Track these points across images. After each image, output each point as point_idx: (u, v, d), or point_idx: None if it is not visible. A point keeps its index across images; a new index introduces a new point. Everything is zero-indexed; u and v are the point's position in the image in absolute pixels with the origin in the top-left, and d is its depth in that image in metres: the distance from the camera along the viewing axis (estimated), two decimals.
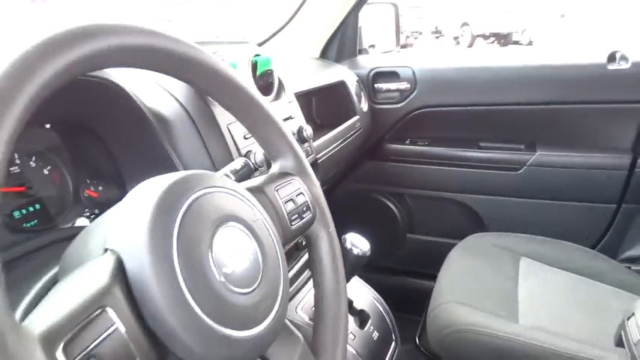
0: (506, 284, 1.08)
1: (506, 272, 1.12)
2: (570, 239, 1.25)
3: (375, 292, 1.05)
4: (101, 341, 0.32)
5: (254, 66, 0.91)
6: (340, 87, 1.37)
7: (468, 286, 1.07)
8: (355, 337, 0.90)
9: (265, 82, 0.92)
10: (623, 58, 1.30)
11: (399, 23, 1.76)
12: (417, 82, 1.48)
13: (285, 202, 0.55)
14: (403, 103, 1.51)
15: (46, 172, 0.66)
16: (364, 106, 1.47)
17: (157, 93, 0.73)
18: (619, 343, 0.86)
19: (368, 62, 1.56)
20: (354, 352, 0.87)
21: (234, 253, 0.42)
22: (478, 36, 12.31)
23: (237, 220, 0.43)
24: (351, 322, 0.92)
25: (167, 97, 0.73)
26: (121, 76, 0.64)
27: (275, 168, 0.58)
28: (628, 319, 0.85)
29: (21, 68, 0.32)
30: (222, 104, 0.54)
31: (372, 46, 1.74)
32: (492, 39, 11.97)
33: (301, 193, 0.57)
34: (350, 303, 0.94)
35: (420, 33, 12.53)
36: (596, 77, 1.32)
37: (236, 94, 0.53)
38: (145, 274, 0.36)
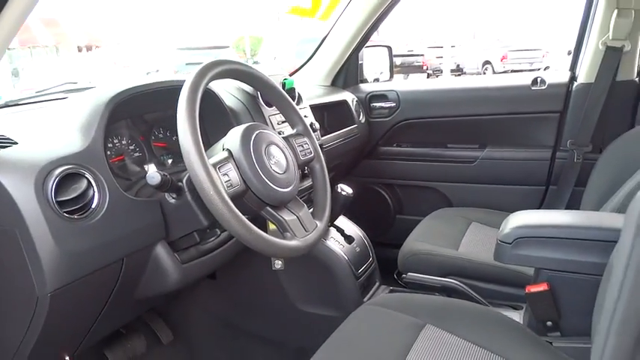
0: (455, 232, 1.61)
1: (457, 228, 1.64)
2: (512, 211, 1.77)
3: (361, 229, 1.59)
4: (223, 166, 0.88)
5: (283, 85, 1.48)
6: (343, 104, 1.94)
7: (430, 234, 1.60)
8: (344, 246, 1.44)
9: (290, 95, 1.50)
10: (543, 81, 1.83)
11: (392, 61, 2.33)
12: (401, 101, 2.04)
13: (298, 145, 1.10)
14: (391, 117, 2.07)
15: (174, 138, 1.24)
16: (362, 119, 2.03)
17: (230, 96, 1.31)
18: None
19: (366, 88, 2.14)
20: (344, 256, 1.41)
21: (276, 156, 0.98)
22: (500, 74, 12.86)
23: (277, 144, 1.00)
24: (342, 240, 1.46)
25: (235, 99, 1.31)
26: (214, 86, 1.22)
27: (294, 130, 1.15)
28: None
29: (197, 76, 0.90)
30: (269, 99, 1.12)
31: (376, 79, 2.31)
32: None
33: (307, 142, 1.13)
34: (342, 230, 1.48)
35: (441, 71, 13.15)
36: (523, 95, 1.85)
37: (275, 94, 1.10)
38: (240, 157, 0.92)
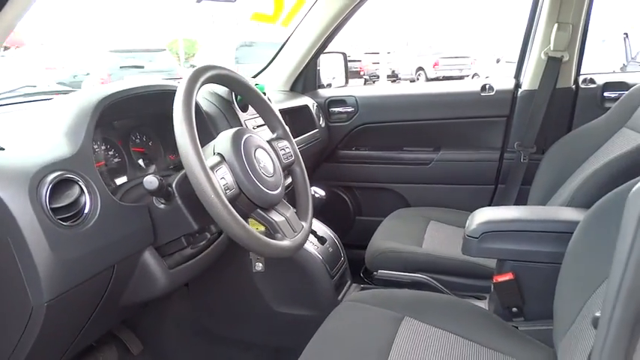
0: (417, 230, 1.69)
1: (417, 226, 1.73)
2: (465, 209, 1.89)
3: (331, 230, 1.64)
4: (219, 170, 0.90)
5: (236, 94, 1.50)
6: (305, 109, 1.98)
7: (393, 233, 1.67)
8: (318, 247, 1.48)
9: (245, 103, 1.51)
10: (491, 88, 1.97)
11: (347, 67, 2.41)
12: (359, 106, 2.11)
13: (280, 149, 1.14)
14: (350, 122, 2.14)
15: (150, 143, 1.23)
16: (322, 123, 2.09)
17: (206, 101, 1.32)
18: None
19: (325, 93, 2.19)
20: (318, 256, 1.45)
21: (264, 160, 1.01)
22: (432, 79, 13.39)
23: (264, 148, 1.03)
24: (315, 241, 1.50)
25: (211, 103, 1.32)
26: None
27: (274, 134, 1.18)
28: None
29: (190, 81, 0.92)
30: (251, 104, 1.14)
31: (329, 85, 2.38)
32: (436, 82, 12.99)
33: (287, 146, 1.17)
34: (314, 232, 1.52)
35: (378, 77, 13.51)
36: (473, 101, 1.98)
37: (257, 99, 1.13)
38: (232, 161, 0.94)
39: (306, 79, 2.18)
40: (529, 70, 1.90)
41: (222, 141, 0.98)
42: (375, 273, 1.53)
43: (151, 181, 0.90)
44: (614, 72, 3.73)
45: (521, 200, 1.88)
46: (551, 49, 1.80)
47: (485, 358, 1.02)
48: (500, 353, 1.05)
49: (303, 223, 1.10)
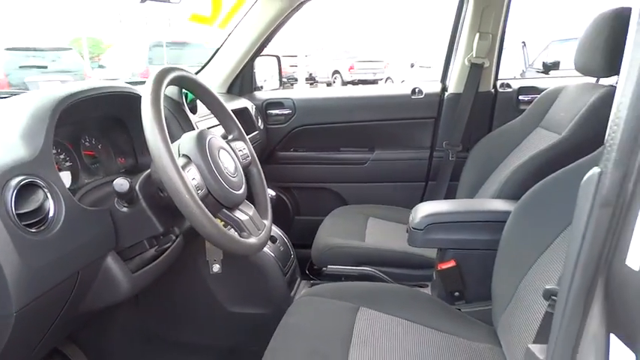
0: (358, 227, 1.78)
1: (358, 223, 1.82)
2: (398, 205, 2.00)
3: (280, 229, 1.68)
4: (189, 170, 0.91)
5: (186, 96, 1.50)
6: (245, 111, 2.00)
7: (337, 230, 1.74)
8: (270, 246, 1.52)
9: (193, 105, 1.52)
10: (420, 91, 2.11)
11: (281, 70, 2.45)
12: (296, 108, 2.17)
13: (238, 150, 1.16)
14: (287, 123, 2.18)
15: (100, 147, 1.20)
16: (261, 125, 2.11)
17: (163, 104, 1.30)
18: None
19: (262, 95, 2.22)
20: (272, 254, 1.48)
21: (226, 160, 1.03)
22: (348, 82, 13.75)
23: (226, 149, 1.05)
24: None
25: (167, 108, 1.31)
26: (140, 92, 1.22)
27: (230, 136, 1.20)
28: None
29: (156, 82, 0.92)
30: (208, 106, 1.16)
31: (261, 87, 2.40)
32: (361, 85, 13.37)
33: (244, 147, 1.19)
34: None
35: (296, 80, 13.63)
36: (404, 103, 2.11)
37: (214, 102, 1.15)
38: (199, 162, 0.96)
39: (243, 81, 2.19)
40: (454, 75, 2.06)
41: (187, 142, 0.99)
42: (324, 268, 1.59)
43: (121, 183, 0.89)
44: (515, 77, 4.09)
45: (450, 195, 2.03)
46: (474, 56, 1.97)
47: (436, 340, 1.12)
48: (448, 334, 1.15)
49: (265, 222, 1.13)
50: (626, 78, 0.52)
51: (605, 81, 1.54)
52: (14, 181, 0.77)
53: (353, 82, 13.62)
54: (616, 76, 1.47)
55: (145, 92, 0.90)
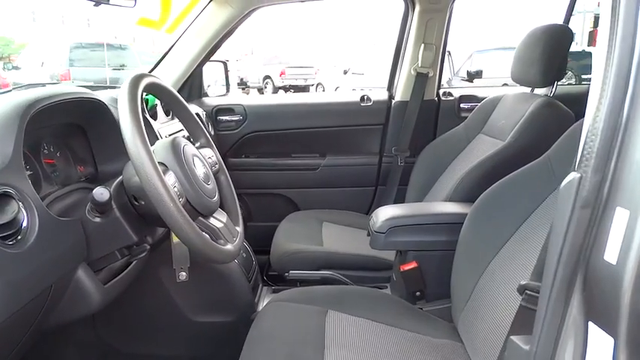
0: (314, 232, 1.81)
1: (314, 228, 1.85)
2: (350, 209, 2.06)
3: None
4: (168, 179, 0.90)
5: (146, 102, 1.47)
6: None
7: (293, 235, 1.76)
8: None
9: (154, 112, 1.49)
10: (368, 99, 2.18)
11: (228, 75, 2.43)
12: (247, 114, 2.16)
13: (208, 158, 1.15)
14: (238, 130, 2.17)
15: (58, 154, 1.14)
16: (211, 131, 2.09)
17: (115, 109, 1.26)
18: None
19: (211, 101, 2.20)
20: (235, 261, 1.47)
21: (200, 168, 1.02)
22: (279, 88, 13.76)
23: (198, 157, 1.04)
24: None
25: None
26: (104, 97, 1.17)
27: (197, 143, 1.19)
28: None
29: (132, 87, 0.90)
30: (176, 113, 1.14)
31: (206, 93, 2.37)
32: (292, 90, 13.42)
33: (212, 155, 1.19)
34: None
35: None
36: (354, 110, 2.17)
37: (181, 109, 1.14)
38: (176, 170, 0.94)
39: (192, 87, 2.16)
40: (401, 84, 2.15)
41: (162, 150, 0.97)
42: (286, 274, 1.60)
43: (101, 192, 0.86)
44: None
45: (399, 199, 2.11)
46: (419, 65, 2.07)
47: (402, 339, 1.16)
48: (413, 332, 1.20)
49: (237, 228, 1.14)
50: (600, 95, 0.58)
51: (538, 90, 1.68)
52: None
53: (284, 88, 13.67)
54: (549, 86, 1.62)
55: (122, 98, 0.88)
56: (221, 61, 2.38)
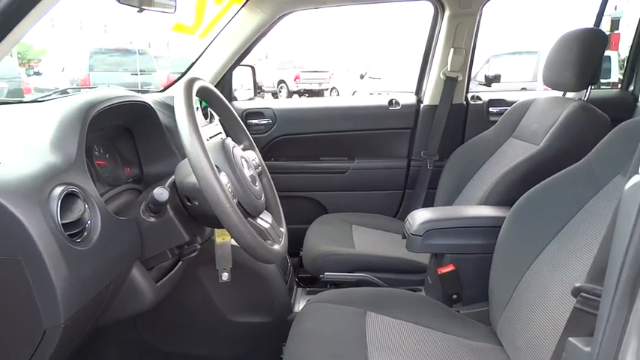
0: (345, 234, 1.82)
1: (344, 231, 1.86)
2: (378, 213, 2.07)
3: None
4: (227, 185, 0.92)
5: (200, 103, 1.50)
6: None
7: (325, 238, 1.78)
8: None
9: (205, 111, 1.52)
10: (397, 103, 2.20)
11: (255, 80, 2.46)
12: (277, 118, 2.18)
13: (252, 160, 1.17)
14: (268, 133, 2.20)
15: (107, 156, 1.17)
16: None
17: (161, 113, 1.29)
18: None
19: (241, 105, 2.23)
20: None
21: (247, 170, 1.04)
22: (294, 92, 13.81)
23: (245, 159, 1.06)
24: None
25: (166, 116, 1.30)
26: (149, 100, 1.20)
27: (242, 146, 1.21)
28: None
29: (186, 90, 0.92)
30: (219, 114, 1.16)
31: (235, 97, 2.40)
32: (306, 95, 13.46)
33: (255, 157, 1.21)
34: None
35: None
36: (382, 114, 2.19)
37: (228, 112, 1.16)
38: (228, 171, 0.96)
39: (222, 91, 2.17)
40: (429, 88, 2.16)
41: (214, 151, 0.99)
42: (321, 276, 1.62)
43: (161, 192, 0.88)
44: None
45: (428, 202, 2.12)
46: (449, 69, 2.08)
47: (442, 341, 1.17)
48: (452, 335, 1.21)
49: (282, 229, 1.15)
50: None
51: (568, 95, 1.68)
52: (57, 191, 0.76)
53: (299, 92, 13.71)
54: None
55: (178, 100, 0.90)
56: (249, 66, 2.40)
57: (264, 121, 2.19)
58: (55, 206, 0.74)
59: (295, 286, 1.70)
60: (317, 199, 2.23)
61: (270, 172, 2.21)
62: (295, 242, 1.88)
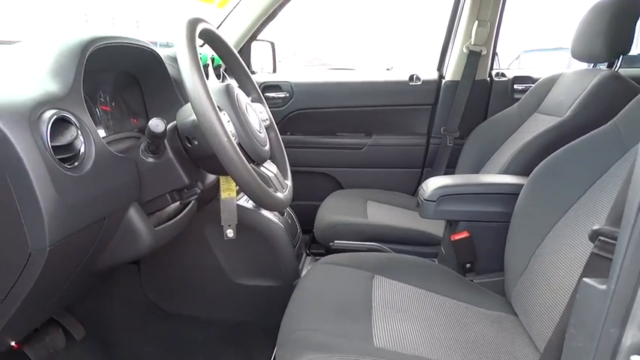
0: (359, 207, 1.77)
1: (360, 204, 1.82)
2: (395, 190, 2.01)
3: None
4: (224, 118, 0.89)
5: (213, 60, 1.48)
6: None
7: (337, 208, 1.74)
8: (279, 217, 1.50)
9: (218, 71, 1.50)
10: (417, 78, 2.13)
11: (275, 56, 2.43)
12: (294, 92, 2.15)
13: (259, 112, 1.14)
14: (285, 107, 2.16)
15: (113, 104, 1.16)
16: None
17: (172, 67, 1.27)
18: None
19: (258, 78, 2.20)
20: (281, 225, 1.46)
21: (252, 116, 1.01)
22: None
23: (250, 105, 1.03)
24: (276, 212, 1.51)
25: (174, 68, 1.27)
26: (160, 52, 1.18)
27: (250, 98, 1.18)
28: None
29: (190, 28, 0.89)
30: (229, 65, 1.13)
31: (253, 71, 2.38)
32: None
33: (263, 110, 1.17)
34: None
35: None
36: (403, 89, 2.13)
37: (235, 61, 1.13)
38: (230, 113, 0.93)
39: None
40: (452, 63, 2.09)
41: (216, 93, 0.96)
42: (330, 244, 1.58)
43: (157, 124, 0.86)
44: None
45: None
46: (472, 43, 2.01)
47: (453, 307, 1.12)
48: (465, 303, 1.15)
49: (287, 182, 1.12)
50: None
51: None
52: (47, 114, 0.74)
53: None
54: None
55: (180, 37, 0.87)
56: (269, 41, 2.38)
57: (282, 95, 2.16)
58: (45, 128, 0.72)
59: (304, 254, 1.66)
60: (332, 175, 2.19)
61: (285, 147, 2.19)
62: (309, 217, 1.85)
